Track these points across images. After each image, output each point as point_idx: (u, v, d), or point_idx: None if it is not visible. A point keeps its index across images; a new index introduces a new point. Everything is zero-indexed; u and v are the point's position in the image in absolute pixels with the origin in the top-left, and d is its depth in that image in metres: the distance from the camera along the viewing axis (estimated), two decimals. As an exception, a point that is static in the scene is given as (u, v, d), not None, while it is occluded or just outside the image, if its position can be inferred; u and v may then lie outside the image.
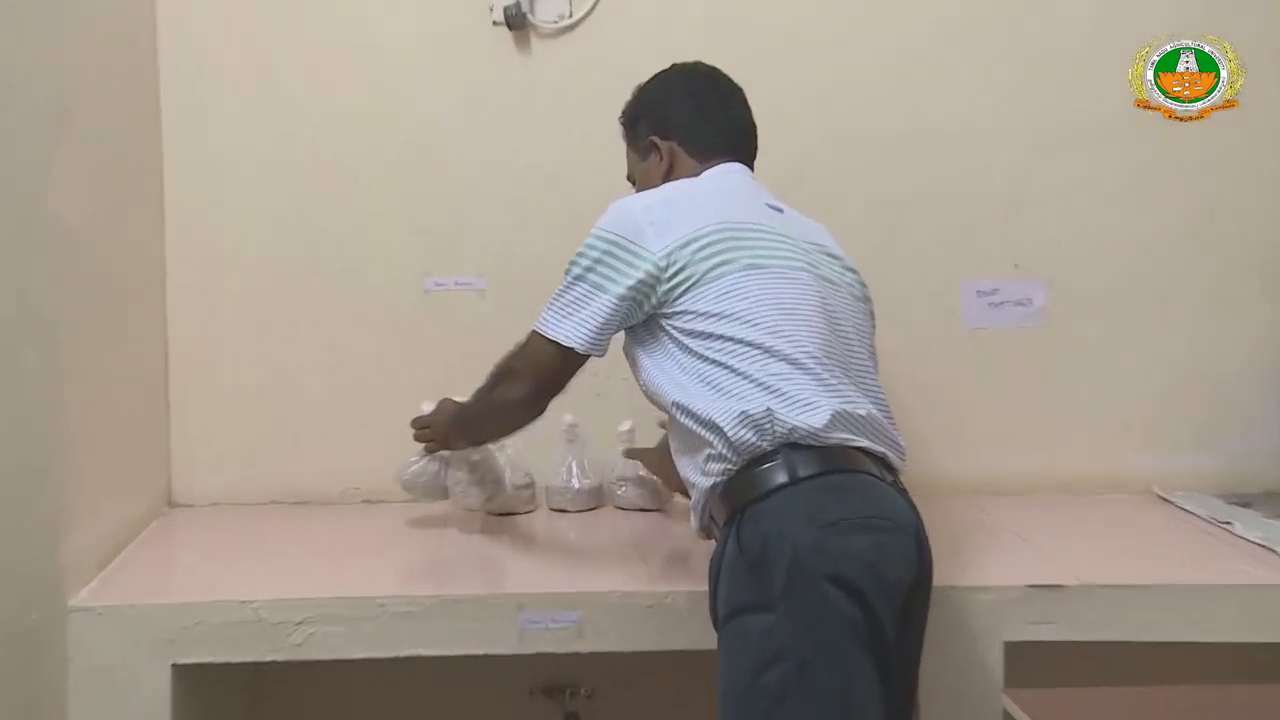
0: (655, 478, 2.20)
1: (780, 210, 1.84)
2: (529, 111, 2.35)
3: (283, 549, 2.10)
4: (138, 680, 1.74)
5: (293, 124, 2.32)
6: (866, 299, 1.86)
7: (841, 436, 1.63)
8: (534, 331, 1.77)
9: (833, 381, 1.68)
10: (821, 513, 1.54)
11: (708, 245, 1.71)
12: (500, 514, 2.23)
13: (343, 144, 2.33)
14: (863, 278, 1.86)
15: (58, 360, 1.79)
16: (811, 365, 1.67)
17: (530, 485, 2.29)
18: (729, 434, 1.62)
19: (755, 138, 1.92)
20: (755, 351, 1.66)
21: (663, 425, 1.84)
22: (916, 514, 1.63)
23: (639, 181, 1.93)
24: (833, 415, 1.64)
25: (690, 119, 1.88)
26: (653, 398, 1.79)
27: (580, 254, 1.74)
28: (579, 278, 1.74)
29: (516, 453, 2.21)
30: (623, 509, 2.29)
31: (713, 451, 1.64)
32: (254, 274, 2.33)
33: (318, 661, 1.75)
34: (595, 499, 2.30)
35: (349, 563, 1.99)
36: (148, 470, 2.25)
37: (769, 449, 1.61)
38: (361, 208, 2.34)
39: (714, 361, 1.67)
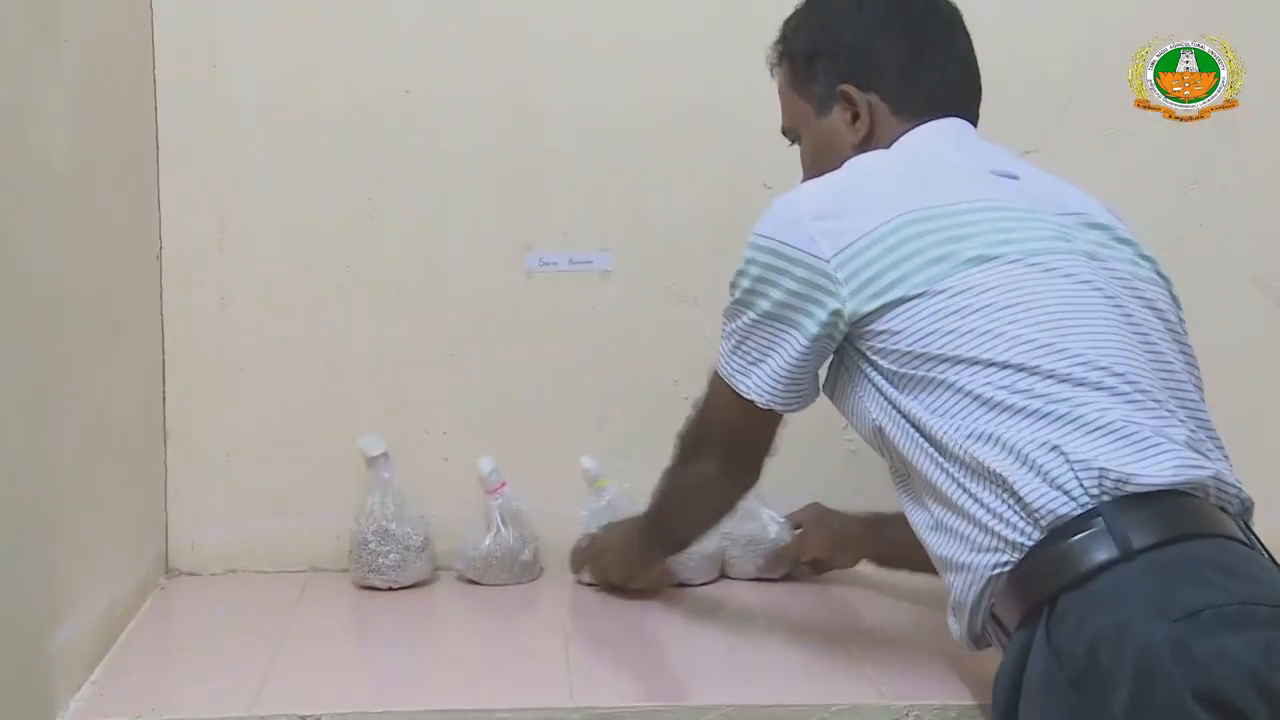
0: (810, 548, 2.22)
1: (1015, 177, 1.78)
2: (665, 18, 2.33)
3: (343, 638, 2.12)
4: (158, 830, 1.73)
5: (329, 41, 2.30)
6: (1164, 279, 1.79)
7: (1186, 482, 1.54)
8: (714, 375, 1.83)
9: (1148, 402, 1.60)
10: (1175, 599, 1.44)
11: (903, 242, 1.66)
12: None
13: (401, 65, 2.30)
14: (1149, 251, 1.80)
15: (44, 371, 1.76)
16: (1112, 382, 1.60)
17: None
18: (1020, 491, 1.54)
19: (979, 82, 1.87)
20: (1012, 374, 1.60)
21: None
22: None
23: (813, 146, 1.88)
24: (1168, 450, 1.55)
25: (904, 61, 1.81)
26: (885, 454, 1.75)
27: (740, 271, 1.76)
28: (742, 302, 1.76)
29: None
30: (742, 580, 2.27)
31: (992, 522, 1.57)
32: (280, 248, 2.31)
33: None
34: (713, 567, 2.27)
35: (446, 659, 1.99)
36: (141, 526, 2.23)
37: (1079, 511, 1.52)
38: (430, 157, 2.32)
39: (954, 390, 1.62)
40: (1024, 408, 1.57)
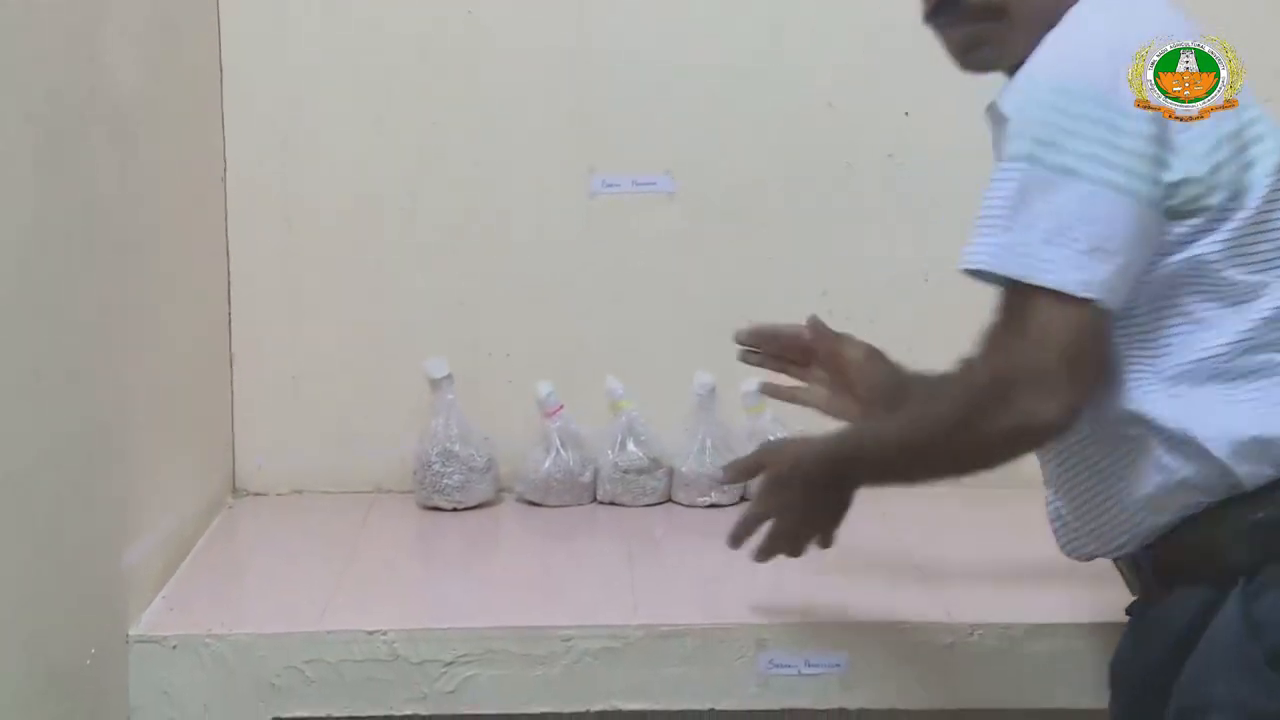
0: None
1: None
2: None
3: (408, 558, 2.14)
4: (226, 739, 1.75)
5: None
6: None
7: None
8: (1018, 289, 1.41)
9: None
10: None
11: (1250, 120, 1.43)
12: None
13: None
14: None
15: (112, 294, 1.77)
16: None
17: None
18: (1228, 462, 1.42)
19: None
20: None
21: None
22: None
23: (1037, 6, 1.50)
24: None
25: None
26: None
27: (1038, 138, 1.40)
28: (1053, 166, 1.39)
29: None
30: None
31: (1200, 466, 1.43)
32: (344, 171, 2.32)
33: (475, 716, 1.76)
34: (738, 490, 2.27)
35: (509, 579, 2.01)
36: (209, 448, 2.26)
37: None
38: (493, 78, 2.32)
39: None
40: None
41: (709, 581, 1.97)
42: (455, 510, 2.22)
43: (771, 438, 2.14)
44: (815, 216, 2.31)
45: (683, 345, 2.32)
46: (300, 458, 2.34)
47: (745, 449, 2.21)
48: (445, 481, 2.22)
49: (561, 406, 2.26)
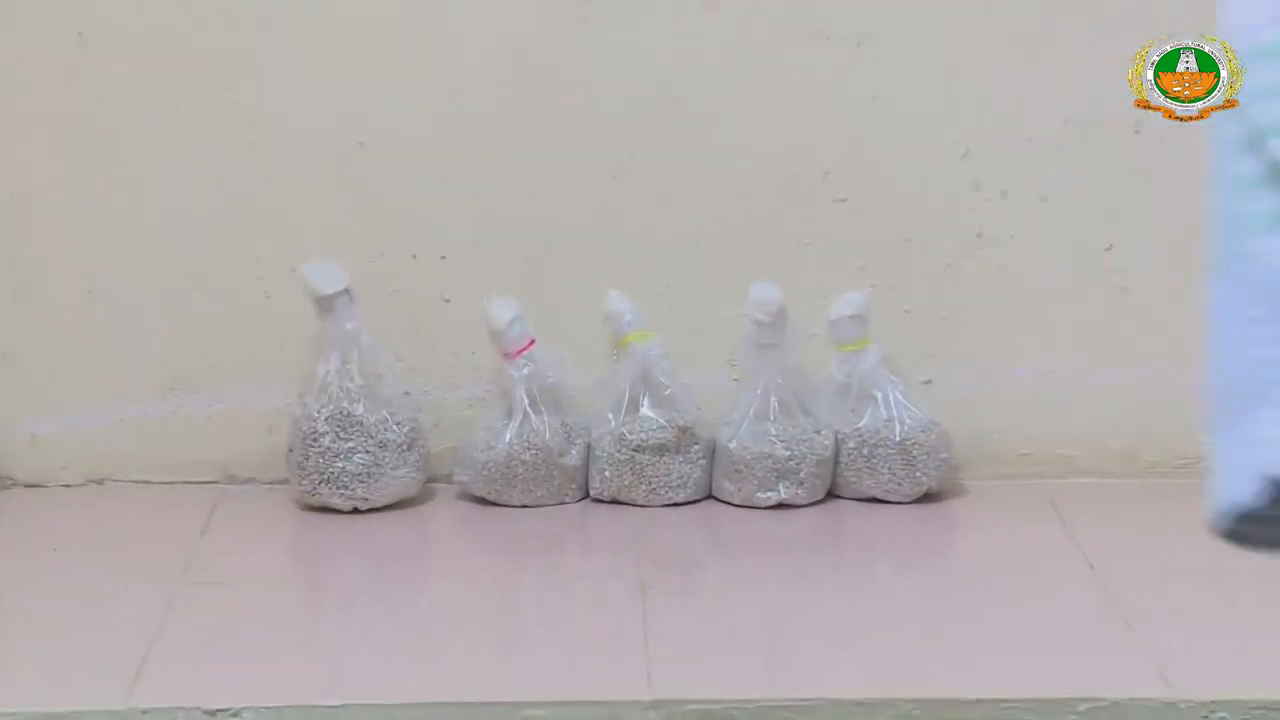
0: None
1: None
2: None
3: (278, 590, 2.18)
4: None
5: None
6: None
7: None
8: None
9: None
10: None
11: None
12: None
13: None
14: None
15: None
16: None
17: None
18: None
19: None
20: None
21: None
22: None
23: None
24: None
25: None
26: None
27: None
28: None
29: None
30: (879, 500, 2.33)
31: None
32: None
33: None
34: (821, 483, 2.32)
35: (444, 625, 2.06)
36: None
37: None
38: None
39: None
40: None
41: (775, 629, 2.01)
42: (356, 512, 2.23)
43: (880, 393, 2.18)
44: (950, 28, 2.32)
45: (730, 241, 2.32)
46: (102, 425, 2.35)
47: (835, 411, 2.31)
48: (340, 465, 2.23)
49: (532, 341, 2.26)
